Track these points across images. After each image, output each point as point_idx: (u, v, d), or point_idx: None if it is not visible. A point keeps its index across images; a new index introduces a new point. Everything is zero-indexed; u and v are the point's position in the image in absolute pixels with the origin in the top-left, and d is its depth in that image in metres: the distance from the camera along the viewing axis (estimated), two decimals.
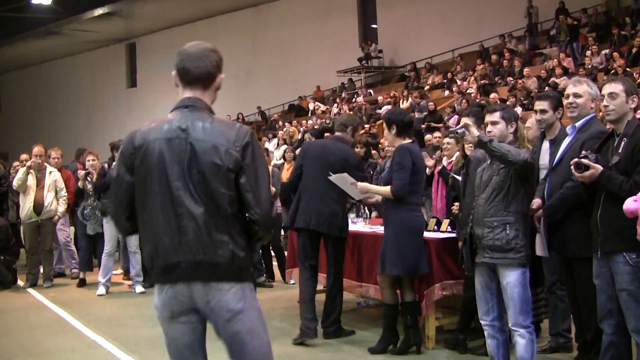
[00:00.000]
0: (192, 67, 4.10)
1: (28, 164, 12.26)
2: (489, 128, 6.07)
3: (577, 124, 6.14)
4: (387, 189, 7.19)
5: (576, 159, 5.41)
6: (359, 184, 7.47)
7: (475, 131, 5.88)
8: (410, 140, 7.27)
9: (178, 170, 3.85)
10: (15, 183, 12.27)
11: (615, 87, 5.60)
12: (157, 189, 3.88)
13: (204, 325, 4.02)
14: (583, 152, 5.48)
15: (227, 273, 3.86)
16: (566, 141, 6.19)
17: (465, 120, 6.82)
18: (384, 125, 7.44)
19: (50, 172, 12.49)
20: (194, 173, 3.84)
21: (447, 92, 25.85)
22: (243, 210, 3.90)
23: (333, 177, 7.58)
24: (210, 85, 4.14)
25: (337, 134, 8.23)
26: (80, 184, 11.29)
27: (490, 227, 5.83)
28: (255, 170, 3.90)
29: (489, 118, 6.11)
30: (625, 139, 5.46)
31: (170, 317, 3.97)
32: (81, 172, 12.16)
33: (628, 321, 5.38)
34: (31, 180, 12.25)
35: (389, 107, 22.78)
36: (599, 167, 5.36)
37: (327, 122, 27.09)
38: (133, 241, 11.51)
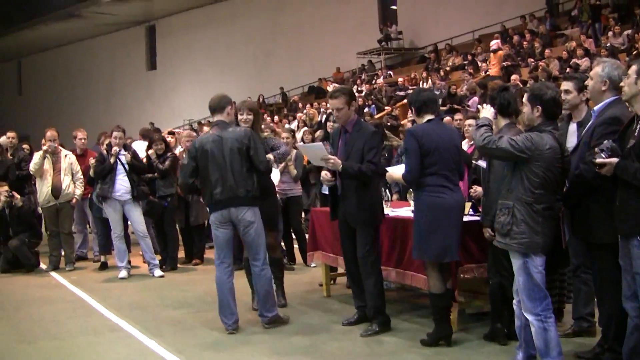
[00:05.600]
0: (213, 105, 7.92)
1: (44, 148, 12.26)
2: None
3: (595, 108, 6.10)
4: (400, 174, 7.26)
5: (598, 160, 5.42)
6: (389, 169, 7.52)
7: (480, 114, 6.22)
8: (427, 119, 7.07)
9: (219, 154, 7.62)
10: (32, 167, 12.27)
11: (631, 68, 5.59)
12: (212, 164, 7.63)
13: (233, 231, 7.75)
14: (596, 149, 5.45)
15: (243, 201, 7.63)
16: (588, 125, 6.16)
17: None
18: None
19: (65, 155, 12.50)
20: (227, 154, 7.61)
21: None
22: (251, 168, 7.66)
23: (302, 147, 8.26)
24: (223, 111, 7.88)
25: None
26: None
27: (498, 210, 5.95)
28: (255, 147, 7.67)
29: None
30: None
31: (218, 226, 7.69)
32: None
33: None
34: (47, 165, 12.27)
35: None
36: (613, 161, 5.36)
37: None
38: (140, 226, 11.59)
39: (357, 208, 7.53)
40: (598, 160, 5.39)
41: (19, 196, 12.50)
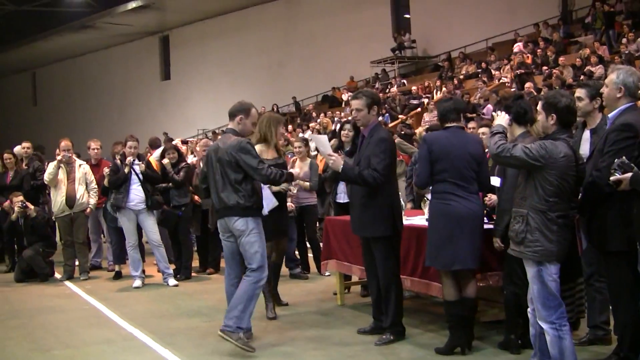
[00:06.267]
0: (229, 112, 7.72)
1: (58, 158, 12.31)
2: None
3: (610, 115, 6.08)
4: None
5: (612, 179, 5.44)
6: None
7: (495, 122, 6.24)
8: (446, 127, 7.08)
9: (215, 163, 7.50)
10: (47, 177, 12.34)
11: None
12: (210, 172, 7.60)
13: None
14: (611, 169, 5.44)
15: (234, 211, 7.38)
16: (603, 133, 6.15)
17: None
18: None
19: (79, 165, 12.55)
20: (220, 163, 7.45)
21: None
22: (247, 178, 7.39)
23: (312, 136, 8.40)
24: (234, 119, 7.65)
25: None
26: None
27: (512, 218, 5.95)
28: (245, 160, 7.30)
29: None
30: None
31: (222, 237, 7.65)
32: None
33: None
34: (61, 175, 12.31)
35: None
36: (627, 176, 5.36)
37: None
38: (155, 235, 11.62)
39: (360, 217, 7.52)
40: (612, 178, 5.39)
41: (32, 206, 12.55)
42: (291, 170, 7.96)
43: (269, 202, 8.17)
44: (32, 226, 12.53)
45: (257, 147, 8.31)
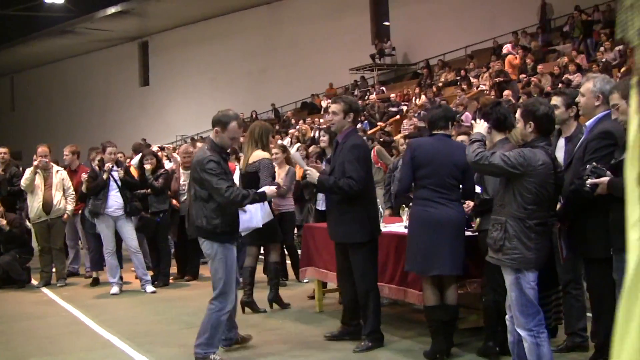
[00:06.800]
0: (212, 120, 7.18)
1: (35, 163, 12.25)
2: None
3: (587, 123, 6.13)
4: None
5: (588, 182, 5.49)
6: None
7: (474, 130, 6.20)
8: (432, 134, 7.13)
9: (191, 178, 7.23)
10: (23, 183, 12.29)
11: (613, 96, 5.68)
12: (190, 185, 7.31)
13: None
14: (584, 177, 5.48)
15: (202, 232, 7.02)
16: (580, 140, 6.18)
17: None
18: None
19: (57, 171, 12.50)
20: (192, 178, 7.14)
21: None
22: (211, 196, 6.89)
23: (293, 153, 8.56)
24: (213, 130, 7.11)
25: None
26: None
27: (490, 226, 5.94)
28: (208, 179, 6.81)
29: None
30: None
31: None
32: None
33: None
34: (38, 180, 12.26)
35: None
36: (604, 180, 5.42)
37: None
38: (133, 242, 11.56)
39: (337, 224, 7.55)
40: (589, 181, 5.42)
41: (4, 221, 12.34)
42: (263, 189, 7.43)
43: (264, 213, 7.99)
44: (9, 232, 12.43)
45: (260, 154, 8.66)
